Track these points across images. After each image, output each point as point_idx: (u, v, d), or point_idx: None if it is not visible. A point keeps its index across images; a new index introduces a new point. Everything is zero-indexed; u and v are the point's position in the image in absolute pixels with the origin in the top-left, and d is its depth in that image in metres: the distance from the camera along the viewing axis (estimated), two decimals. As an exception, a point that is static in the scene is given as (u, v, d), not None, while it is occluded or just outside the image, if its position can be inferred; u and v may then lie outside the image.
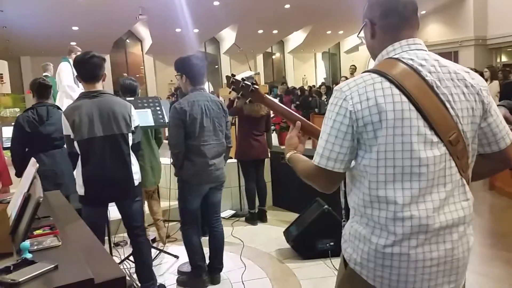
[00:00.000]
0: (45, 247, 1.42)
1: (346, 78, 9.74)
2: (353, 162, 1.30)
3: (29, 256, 1.31)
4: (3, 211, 1.88)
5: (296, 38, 20.30)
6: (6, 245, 1.44)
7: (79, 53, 3.81)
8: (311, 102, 10.94)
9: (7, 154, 3.43)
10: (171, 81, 17.94)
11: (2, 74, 10.68)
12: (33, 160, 1.81)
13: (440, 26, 18.18)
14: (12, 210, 1.74)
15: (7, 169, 3.28)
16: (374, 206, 1.24)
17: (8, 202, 1.99)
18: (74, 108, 2.62)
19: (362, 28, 1.39)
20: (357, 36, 1.43)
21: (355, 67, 10.76)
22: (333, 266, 3.32)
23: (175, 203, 4.17)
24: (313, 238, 3.49)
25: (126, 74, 15.98)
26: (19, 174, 3.24)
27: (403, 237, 1.20)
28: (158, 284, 2.99)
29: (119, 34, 16.24)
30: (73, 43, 15.06)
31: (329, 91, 10.67)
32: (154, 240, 4.04)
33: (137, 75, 17.46)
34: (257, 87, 1.71)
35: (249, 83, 1.70)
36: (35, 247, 1.40)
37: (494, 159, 1.36)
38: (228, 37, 18.01)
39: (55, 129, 3.29)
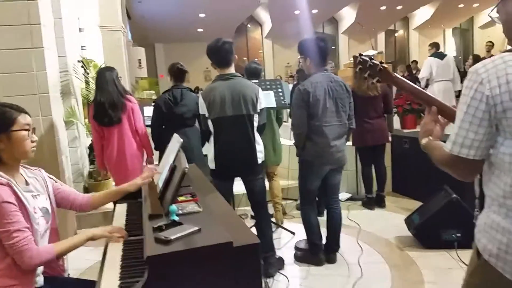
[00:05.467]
0: (188, 211, 1.61)
1: (477, 57, 8.73)
2: (492, 149, 1.20)
3: (176, 218, 1.50)
4: (151, 180, 2.17)
5: (423, 14, 18.76)
6: (157, 208, 1.67)
7: None
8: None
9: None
10: (288, 63, 18.18)
11: (140, 59, 11.97)
12: (176, 135, 2.04)
13: None
14: (158, 179, 2.00)
15: (149, 143, 3.73)
16: None
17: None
18: (210, 89, 2.85)
19: (499, 3, 1.25)
20: (489, 15, 1.30)
21: (492, 44, 9.58)
22: (459, 257, 3.10)
23: (293, 183, 4.30)
24: (438, 228, 3.29)
25: (246, 59, 16.62)
26: (156, 147, 3.66)
27: None
28: (277, 256, 3.14)
29: (241, 19, 16.86)
30: (199, 30, 16.14)
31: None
32: (271, 216, 4.22)
33: (256, 59, 18.01)
34: (386, 66, 1.65)
35: (377, 62, 1.66)
36: (180, 211, 1.60)
37: None
38: (347, 16, 17.46)
39: (187, 110, 3.61)
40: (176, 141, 1.92)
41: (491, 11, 1.30)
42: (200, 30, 15.88)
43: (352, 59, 1.80)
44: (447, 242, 3.25)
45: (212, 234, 1.36)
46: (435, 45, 7.57)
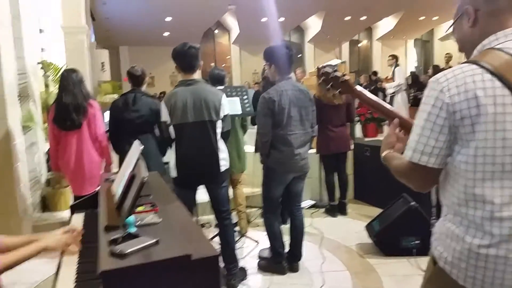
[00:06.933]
0: (147, 223, 1.56)
1: (437, 68, 9.11)
2: (448, 158, 1.24)
3: (133, 230, 1.45)
4: (109, 189, 2.10)
5: (386, 25, 19.37)
6: (114, 219, 1.61)
7: None
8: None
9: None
10: (255, 70, 18.24)
11: (103, 62, 11.65)
12: (137, 142, 1.98)
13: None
14: (117, 188, 1.93)
15: (108, 150, 3.62)
16: (469, 205, 1.18)
17: (113, 181, 2.21)
18: (171, 95, 2.81)
19: (457, 19, 1.31)
20: (445, 32, 1.36)
21: (451, 55, 10.01)
22: (418, 265, 3.19)
23: (257, 190, 4.29)
24: (397, 235, 3.37)
25: (213, 64, 16.55)
26: (116, 150, 3.58)
27: (500, 238, 1.14)
28: (239, 267, 3.12)
29: (209, 24, 16.79)
30: (166, 34, 15.94)
31: (417, 84, 9.94)
32: (235, 225, 4.19)
33: (224, 65, 17.96)
34: (347, 78, 1.68)
35: (339, 74, 1.68)
36: (138, 222, 1.55)
37: None
38: (313, 25, 17.75)
39: (138, 115, 3.43)
40: (136, 147, 1.87)
41: (448, 29, 1.35)
42: (166, 34, 15.69)
43: (316, 68, 1.82)
44: (406, 249, 3.34)
45: (170, 246, 1.32)
46: (396, 57, 8.22)
